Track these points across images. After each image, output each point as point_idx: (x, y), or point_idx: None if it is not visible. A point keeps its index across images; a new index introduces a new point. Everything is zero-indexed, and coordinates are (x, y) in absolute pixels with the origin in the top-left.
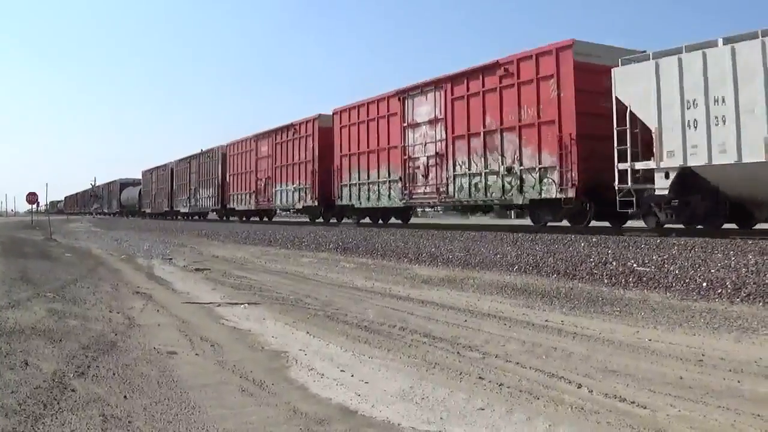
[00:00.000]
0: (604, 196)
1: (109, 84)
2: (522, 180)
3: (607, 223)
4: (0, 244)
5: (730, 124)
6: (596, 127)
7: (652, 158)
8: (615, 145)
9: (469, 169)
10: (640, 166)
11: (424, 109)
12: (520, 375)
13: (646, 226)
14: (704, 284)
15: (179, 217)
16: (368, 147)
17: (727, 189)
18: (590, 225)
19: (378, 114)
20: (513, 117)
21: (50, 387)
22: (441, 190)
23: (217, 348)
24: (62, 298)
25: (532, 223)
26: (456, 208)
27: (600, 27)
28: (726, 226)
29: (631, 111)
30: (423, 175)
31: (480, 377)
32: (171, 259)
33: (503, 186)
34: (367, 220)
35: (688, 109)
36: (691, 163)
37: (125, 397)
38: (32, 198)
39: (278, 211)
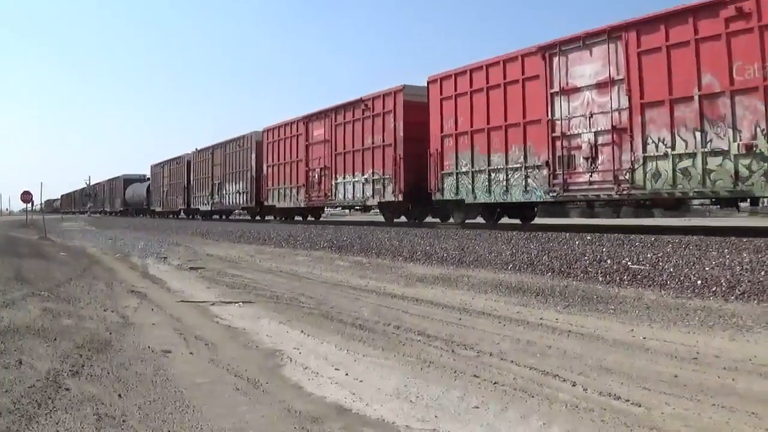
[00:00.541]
0: None
1: (108, 84)
2: None
3: None
4: None
5: None
6: None
7: None
8: None
9: (673, 149)
10: None
11: (587, 69)
12: (515, 373)
13: None
14: (699, 282)
15: (198, 217)
16: (488, 123)
17: None
18: None
19: (505, 79)
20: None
21: (44, 386)
22: (621, 178)
23: (212, 347)
24: (57, 297)
25: None
26: (643, 204)
27: None
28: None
29: None
30: (586, 158)
31: (474, 375)
32: (165, 257)
33: (737, 171)
34: (480, 219)
35: None
36: None
37: (119, 396)
38: (26, 197)
39: (331, 209)
